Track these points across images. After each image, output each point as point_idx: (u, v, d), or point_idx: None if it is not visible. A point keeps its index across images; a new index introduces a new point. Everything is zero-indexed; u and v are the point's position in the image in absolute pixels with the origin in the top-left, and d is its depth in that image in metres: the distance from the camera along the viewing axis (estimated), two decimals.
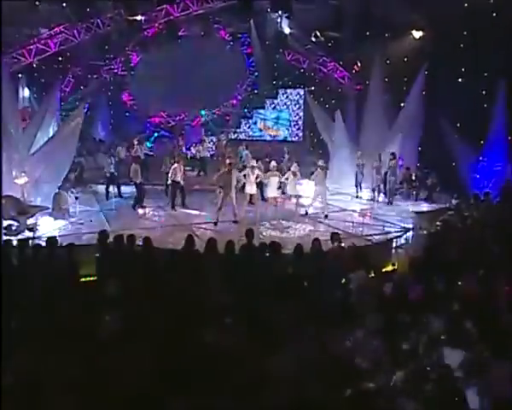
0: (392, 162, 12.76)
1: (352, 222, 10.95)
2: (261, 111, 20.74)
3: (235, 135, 20.52)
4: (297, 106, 20.79)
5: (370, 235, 9.97)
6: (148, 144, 17.64)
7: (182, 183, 12.04)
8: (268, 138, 20.58)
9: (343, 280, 6.61)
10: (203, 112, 20.13)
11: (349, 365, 3.98)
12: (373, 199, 13.37)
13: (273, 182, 10.53)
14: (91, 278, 6.76)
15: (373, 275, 6.49)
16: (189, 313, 4.78)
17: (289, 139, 20.51)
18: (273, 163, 10.89)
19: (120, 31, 14.60)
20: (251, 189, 10.68)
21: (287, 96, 20.80)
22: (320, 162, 11.65)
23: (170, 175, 11.76)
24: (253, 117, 20.79)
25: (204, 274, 6.02)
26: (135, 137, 18.54)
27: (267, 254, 6.75)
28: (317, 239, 7.23)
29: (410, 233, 10.25)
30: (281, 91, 20.70)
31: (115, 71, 17.10)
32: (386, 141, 13.94)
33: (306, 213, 11.29)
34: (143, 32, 15.53)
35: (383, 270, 8.17)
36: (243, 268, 6.47)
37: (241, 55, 18.71)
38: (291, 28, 16.67)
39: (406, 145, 13.87)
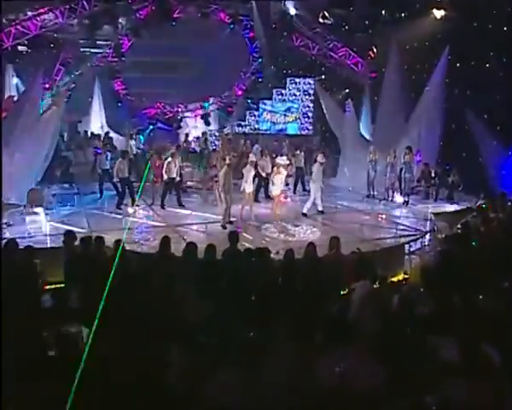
0: (408, 157, 12.29)
1: (361, 224, 10.43)
2: (268, 102, 20.24)
3: (240, 128, 20.18)
4: (307, 96, 20.31)
5: (380, 239, 9.41)
6: (142, 138, 17.31)
7: (177, 179, 11.81)
8: (275, 132, 20.13)
9: (342, 291, 6.24)
10: (207, 104, 19.78)
11: (341, 394, 3.37)
12: (386, 199, 12.94)
13: (278, 179, 9.90)
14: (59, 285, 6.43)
15: (379, 285, 5.95)
16: (153, 331, 4.24)
17: (299, 133, 20.14)
18: (278, 159, 10.29)
19: (110, 13, 14.13)
20: (248, 187, 10.23)
21: (296, 86, 20.26)
22: (319, 157, 11.05)
23: (164, 171, 11.48)
24: (260, 109, 20.24)
25: (175, 283, 5.51)
26: (131, 130, 18.28)
27: (252, 261, 6.20)
28: (311, 244, 6.70)
29: (426, 237, 9.68)
30: (289, 81, 20.16)
31: (106, 58, 16.60)
32: (402, 134, 13.59)
33: (305, 215, 10.88)
34: (135, 14, 15.06)
35: (394, 279, 7.87)
36: (222, 276, 5.97)
37: (243, 39, 18.11)
38: (296, 9, 16.22)
39: (425, 138, 13.48)
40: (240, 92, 19.11)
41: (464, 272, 6.13)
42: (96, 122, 19.18)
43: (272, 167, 10.84)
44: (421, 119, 13.50)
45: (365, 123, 16.28)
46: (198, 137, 18.48)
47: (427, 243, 9.55)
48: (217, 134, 19.49)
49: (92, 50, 16.91)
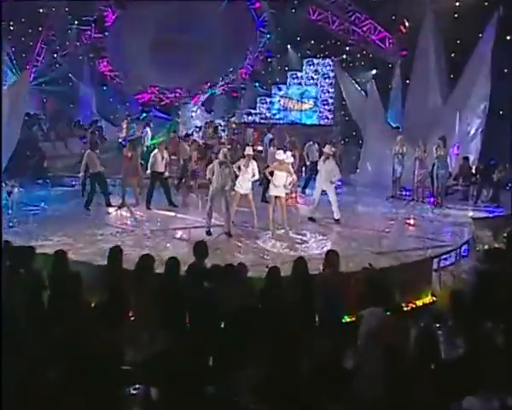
0: (442, 151, 11.39)
1: (381, 232, 9.49)
2: (282, 87, 19.74)
3: (250, 117, 19.87)
4: (326, 80, 19.60)
5: (402, 251, 8.35)
6: (133, 127, 16.86)
7: (166, 174, 11.10)
8: (290, 122, 19.59)
9: (345, 319, 5.70)
10: (210, 90, 19.22)
11: None
12: (415, 200, 12.12)
13: (279, 178, 8.95)
14: None
15: (395, 313, 5.00)
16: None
17: (317, 123, 19.55)
18: (278, 154, 9.19)
19: None
20: (243, 187, 9.26)
21: (313, 68, 19.60)
22: (326, 148, 9.98)
23: (150, 164, 10.77)
24: (272, 95, 19.84)
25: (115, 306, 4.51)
26: (125, 118, 17.89)
27: (221, 282, 5.18)
28: (301, 258, 5.62)
29: (462, 249, 8.66)
30: (306, 62, 19.54)
31: (90, 34, 15.94)
32: (437, 122, 13.06)
33: (312, 220, 9.95)
34: None
35: (416, 303, 7.14)
36: (179, 301, 4.96)
37: (248, 11, 17.47)
38: None
39: (465, 128, 12.96)
40: (246, 74, 18.62)
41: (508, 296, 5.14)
42: (85, 110, 18.48)
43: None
44: (461, 103, 12.93)
45: (394, 109, 15.78)
46: (200, 128, 17.65)
47: (462, 258, 8.48)
48: (222, 124, 18.86)
49: (78, 26, 16.39)
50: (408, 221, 10.61)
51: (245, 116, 19.71)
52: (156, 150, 10.96)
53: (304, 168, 13.98)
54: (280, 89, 19.70)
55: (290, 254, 7.89)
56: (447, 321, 4.99)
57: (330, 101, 19.54)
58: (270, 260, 7.61)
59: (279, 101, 19.80)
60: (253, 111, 19.93)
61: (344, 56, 17.99)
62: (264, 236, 9.08)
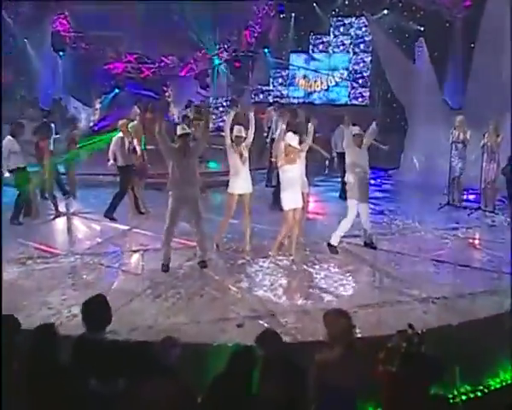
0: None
1: (431, 261, 7.84)
2: (302, 56, 19.44)
3: (261, 96, 19.73)
4: (361, 46, 19.08)
5: (464, 296, 6.64)
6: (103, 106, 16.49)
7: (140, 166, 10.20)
8: (315, 102, 19.31)
9: None
10: (218, 60, 18.52)
11: None
12: (482, 208, 10.97)
13: (294, 176, 7.59)
14: None
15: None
16: None
17: (349, 102, 19.15)
18: (294, 139, 7.72)
19: None
20: (239, 185, 7.98)
21: (344, 31, 19.17)
22: (353, 129, 8.34)
23: (110, 153, 9.93)
24: (290, 68, 19.67)
25: None
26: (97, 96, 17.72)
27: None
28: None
29: None
30: (334, 23, 19.17)
31: None
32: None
33: (331, 246, 8.27)
34: None
35: (496, 382, 5.67)
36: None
37: None
38: None
39: None
40: (251, 37, 17.91)
41: None
42: (45, 85, 17.51)
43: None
44: None
45: (452, 83, 15.32)
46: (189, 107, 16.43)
47: None
48: (224, 104, 18.37)
49: None
50: (472, 244, 9.10)
51: (252, 95, 19.48)
52: (116, 137, 9.84)
53: (328, 162, 13.30)
54: (298, 57, 19.54)
55: (296, 306, 6.34)
56: None
57: (365, 73, 19.07)
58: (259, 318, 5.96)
59: (299, 76, 19.61)
60: (265, 88, 19.76)
61: (385, 11, 17.34)
62: (258, 267, 7.51)
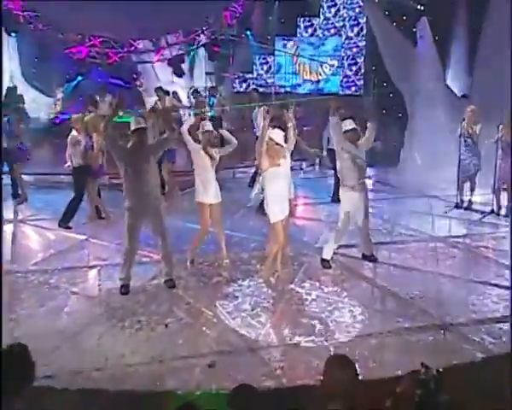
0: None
1: (440, 276, 7.30)
2: (290, 40, 19.25)
3: (243, 84, 19.71)
4: (355, 29, 18.84)
5: (484, 323, 5.97)
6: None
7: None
8: (303, 90, 19.30)
9: None
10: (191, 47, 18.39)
11: None
12: (495, 212, 10.61)
13: (281, 181, 6.97)
14: None
15: None
16: None
17: (341, 92, 18.97)
18: (278, 135, 7.17)
19: None
20: (211, 193, 7.41)
21: (336, 11, 18.97)
22: (346, 123, 7.69)
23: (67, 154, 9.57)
24: (275, 53, 19.43)
25: None
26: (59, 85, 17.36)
27: None
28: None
29: None
30: (325, 2, 18.98)
31: None
32: None
33: (324, 260, 7.75)
34: None
35: None
36: None
37: None
38: None
39: None
40: (232, 19, 17.60)
41: None
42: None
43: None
44: None
45: (458, 68, 14.72)
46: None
47: None
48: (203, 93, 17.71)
49: None
50: (485, 252, 8.51)
51: (235, 84, 19.45)
52: (74, 132, 9.38)
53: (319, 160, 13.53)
54: (286, 42, 19.35)
55: (282, 336, 5.68)
56: None
57: (359, 59, 18.85)
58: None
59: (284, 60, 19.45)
60: (248, 76, 19.62)
61: None
62: (237, 286, 6.87)
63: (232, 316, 5.91)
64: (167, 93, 13.77)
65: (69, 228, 8.95)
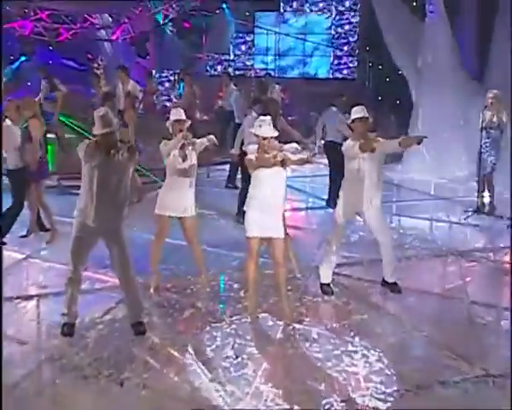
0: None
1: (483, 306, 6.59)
2: (271, 17, 19.45)
3: (219, 67, 19.65)
4: (347, 3, 19.01)
5: None
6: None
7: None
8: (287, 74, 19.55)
9: None
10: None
11: None
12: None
13: (269, 185, 6.15)
14: None
15: None
16: None
17: (329, 76, 19.22)
18: (266, 128, 6.38)
19: None
20: (174, 203, 6.63)
21: None
22: (357, 112, 6.92)
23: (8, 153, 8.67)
24: (255, 31, 19.52)
25: None
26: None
27: None
28: None
29: None
30: None
31: None
32: None
33: (323, 285, 7.05)
34: None
35: None
36: None
37: None
38: None
39: None
40: None
41: None
42: None
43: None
44: None
45: (465, 44, 14.36)
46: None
47: None
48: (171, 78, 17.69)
49: None
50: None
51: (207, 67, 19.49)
52: (8, 122, 8.50)
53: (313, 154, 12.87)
54: (268, 19, 19.41)
55: (275, 402, 4.72)
56: None
57: (352, 38, 18.85)
58: None
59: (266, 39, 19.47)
60: (224, 57, 19.57)
61: None
62: (214, 322, 6.01)
63: (209, 367, 4.97)
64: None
65: (3, 244, 8.13)
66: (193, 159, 6.29)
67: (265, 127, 5.83)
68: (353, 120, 6.48)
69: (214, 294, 6.56)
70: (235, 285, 6.77)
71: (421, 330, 5.84)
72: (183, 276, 6.84)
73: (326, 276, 6.75)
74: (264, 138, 5.76)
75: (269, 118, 5.91)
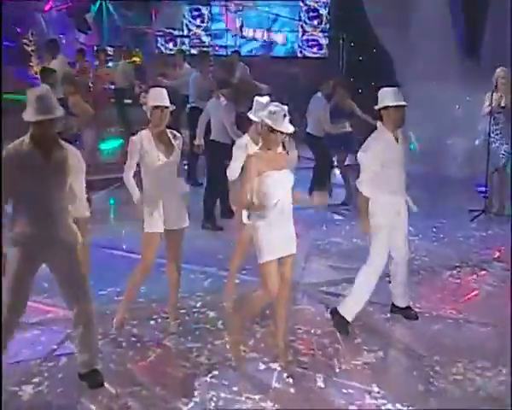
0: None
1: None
2: None
3: (171, 45, 19.59)
4: None
5: None
6: None
7: None
8: (249, 52, 19.07)
9: None
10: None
11: None
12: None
13: (280, 190, 5.63)
14: None
15: None
16: None
17: (296, 54, 19.18)
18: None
19: None
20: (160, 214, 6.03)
21: None
22: (391, 95, 6.39)
23: None
24: (211, 2, 19.55)
25: None
26: None
27: None
28: None
29: None
30: None
31: None
32: None
33: (342, 320, 6.27)
34: None
35: None
36: None
37: None
38: None
39: None
40: None
41: None
42: None
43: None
44: None
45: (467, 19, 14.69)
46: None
47: None
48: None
49: None
50: None
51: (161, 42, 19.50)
52: None
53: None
54: None
55: None
56: None
57: (323, 11, 18.75)
58: None
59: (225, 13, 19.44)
60: (177, 33, 19.61)
61: None
62: (193, 368, 5.26)
63: None
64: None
65: None
66: (175, 156, 5.73)
67: (287, 120, 5.20)
68: (386, 107, 5.89)
69: (185, 326, 5.72)
70: (211, 313, 6.00)
71: (453, 371, 5.11)
72: (144, 301, 6.01)
73: (350, 311, 5.96)
74: (282, 133, 5.15)
75: (286, 107, 5.26)
